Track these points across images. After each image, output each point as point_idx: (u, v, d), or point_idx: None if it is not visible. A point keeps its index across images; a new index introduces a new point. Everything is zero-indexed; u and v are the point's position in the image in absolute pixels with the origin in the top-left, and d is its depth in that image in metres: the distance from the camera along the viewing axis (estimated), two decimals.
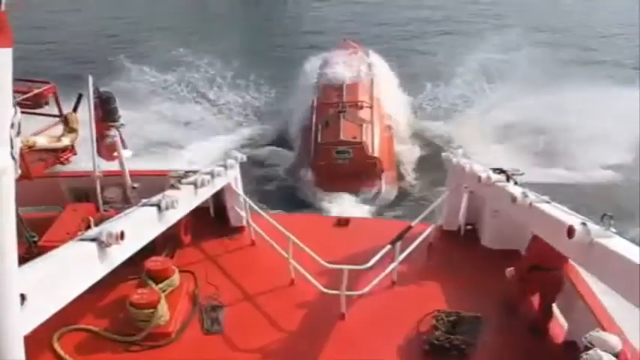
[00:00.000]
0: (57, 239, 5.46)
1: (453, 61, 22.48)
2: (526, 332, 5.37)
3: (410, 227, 6.36)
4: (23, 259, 2.18)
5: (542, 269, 5.18)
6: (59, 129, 7.04)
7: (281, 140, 16.85)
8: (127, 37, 28.79)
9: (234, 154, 6.90)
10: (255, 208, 6.86)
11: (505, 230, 6.34)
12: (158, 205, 4.21)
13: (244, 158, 7.03)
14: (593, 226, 3.49)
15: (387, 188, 13.82)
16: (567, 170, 14.47)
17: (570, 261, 4.99)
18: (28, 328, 2.20)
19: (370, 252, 5.71)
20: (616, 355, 3.68)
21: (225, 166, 6.38)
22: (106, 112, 6.54)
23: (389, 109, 16.36)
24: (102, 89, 6.58)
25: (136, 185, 6.89)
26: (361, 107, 14.99)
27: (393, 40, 28.63)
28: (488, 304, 5.66)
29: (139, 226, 3.85)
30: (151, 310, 5.15)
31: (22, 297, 2.10)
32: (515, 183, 5.61)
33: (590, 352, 3.63)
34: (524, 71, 19.60)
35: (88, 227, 3.29)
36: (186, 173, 5.91)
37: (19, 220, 4.94)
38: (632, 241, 3.41)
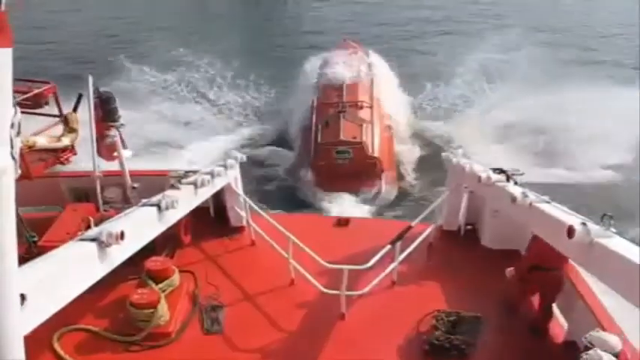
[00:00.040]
0: (57, 239, 5.46)
1: (453, 61, 22.47)
2: (526, 332, 5.37)
3: (410, 227, 6.36)
4: (23, 259, 2.18)
5: (542, 269, 5.18)
6: (59, 129, 7.05)
7: (281, 140, 16.85)
8: (127, 37, 28.77)
9: (234, 154, 6.90)
10: (255, 208, 6.86)
11: (505, 230, 6.34)
12: (158, 205, 4.21)
13: (244, 158, 7.03)
14: (593, 226, 3.49)
15: (387, 188, 13.81)
16: (567, 170, 14.47)
17: (570, 261, 4.99)
18: (28, 328, 2.20)
19: (370, 252, 5.71)
20: (616, 355, 3.68)
21: (225, 166, 6.38)
22: (106, 112, 6.54)
23: (389, 109, 16.35)
24: (102, 89, 6.58)
25: (136, 185, 6.90)
26: (361, 107, 14.98)
27: (393, 40, 28.65)
28: (489, 304, 5.66)
29: (139, 226, 3.85)
30: (151, 310, 5.15)
31: (22, 297, 2.10)
32: (515, 183, 5.62)
33: (591, 352, 3.63)
34: (524, 71, 19.60)
35: (88, 227, 3.30)
36: (186, 173, 5.91)
37: (19, 220, 4.94)
38: (632, 241, 3.41)
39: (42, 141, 6.15)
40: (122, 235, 3.21)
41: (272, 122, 18.48)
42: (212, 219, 7.38)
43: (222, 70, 21.84)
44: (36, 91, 6.62)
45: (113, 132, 6.62)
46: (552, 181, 12.76)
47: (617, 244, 3.34)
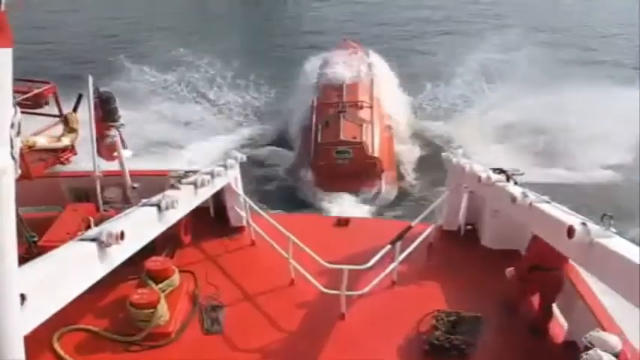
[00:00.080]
0: (57, 239, 5.46)
1: (453, 61, 22.46)
2: (526, 332, 5.37)
3: (410, 227, 6.36)
4: (23, 259, 2.18)
5: (542, 269, 5.18)
6: (59, 129, 7.04)
7: (281, 140, 16.83)
8: (127, 37, 28.72)
9: (234, 154, 6.90)
10: (255, 208, 6.86)
11: (505, 230, 6.34)
12: (158, 205, 4.21)
13: (244, 158, 7.02)
14: (593, 226, 3.49)
15: (386, 188, 13.81)
16: (567, 170, 14.48)
17: (570, 261, 4.99)
18: (28, 328, 2.21)
19: (370, 252, 5.71)
20: (616, 355, 3.68)
21: (225, 166, 6.37)
22: (106, 112, 6.54)
23: (389, 109, 16.35)
24: (102, 89, 6.58)
25: (136, 185, 6.90)
26: (361, 107, 14.99)
27: (393, 40, 28.66)
28: (489, 304, 5.66)
29: (139, 226, 3.85)
30: (151, 310, 5.15)
31: (22, 297, 2.10)
32: (515, 183, 5.62)
33: (590, 352, 3.64)
34: (523, 71, 19.60)
35: (88, 227, 3.30)
36: (187, 173, 5.91)
37: (19, 220, 4.94)
38: (633, 241, 3.41)
39: (42, 141, 6.15)
40: (122, 235, 3.21)
41: (272, 122, 18.47)
42: (212, 219, 7.38)
43: (222, 70, 21.83)
44: (36, 91, 6.62)
45: (113, 132, 6.62)
46: (552, 181, 12.77)
47: (617, 244, 3.34)
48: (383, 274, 5.76)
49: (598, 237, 3.41)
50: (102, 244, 3.10)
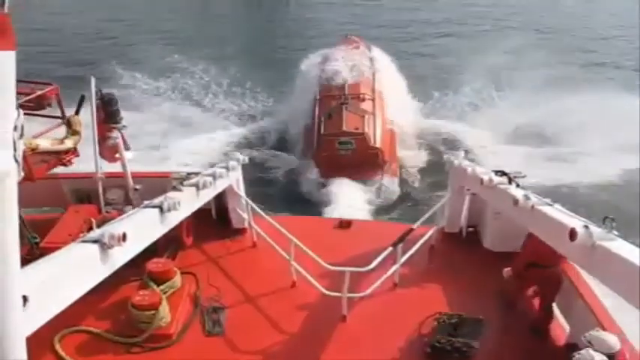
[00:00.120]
0: (59, 241, 5.48)
1: (456, 63, 22.48)
2: (527, 334, 5.36)
3: (412, 229, 6.35)
4: (25, 261, 2.19)
5: (539, 266, 5.24)
6: (62, 131, 7.04)
7: (280, 143, 16.81)
8: (125, 41, 28.40)
9: (236, 156, 6.90)
10: (257, 209, 6.85)
11: (507, 232, 6.33)
12: (160, 207, 4.22)
13: (246, 160, 7.03)
14: (595, 229, 3.49)
15: (388, 179, 13.95)
16: (568, 172, 14.45)
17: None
18: (30, 329, 2.21)
19: (372, 254, 5.71)
20: (613, 355, 3.70)
21: (227, 168, 6.38)
22: (108, 114, 6.56)
23: (391, 101, 16.33)
24: (104, 91, 6.59)
25: (137, 187, 6.90)
26: (363, 100, 15.16)
27: (394, 42, 28.65)
28: (490, 306, 5.66)
29: (141, 228, 3.85)
30: (153, 312, 5.15)
31: (24, 298, 2.11)
32: (517, 185, 5.61)
33: (582, 351, 3.68)
34: (525, 74, 19.56)
35: (90, 229, 3.31)
36: (189, 175, 5.92)
37: (21, 222, 4.95)
38: (634, 243, 3.40)
39: (45, 143, 6.15)
40: (124, 237, 3.22)
41: (271, 123, 18.39)
42: (214, 221, 7.38)
43: (217, 77, 21.65)
44: (39, 92, 6.62)
45: (115, 133, 6.63)
46: (554, 183, 12.77)
47: (619, 246, 3.33)
48: (385, 277, 5.75)
49: (600, 240, 3.41)
50: (104, 245, 3.11)
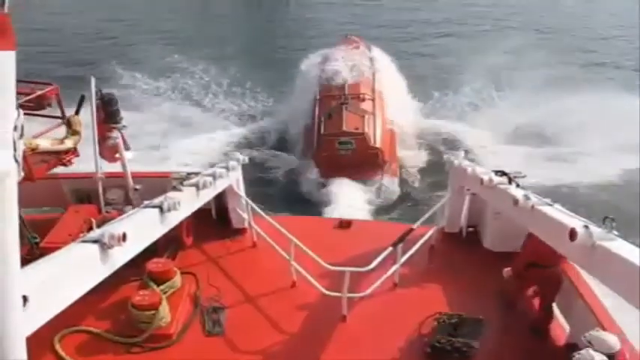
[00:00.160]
0: (59, 241, 5.48)
1: (456, 63, 22.45)
2: (527, 334, 5.36)
3: (412, 229, 6.35)
4: (25, 261, 2.19)
5: (539, 266, 5.25)
6: (62, 130, 7.04)
7: (280, 143, 16.81)
8: (125, 41, 28.40)
9: (236, 156, 6.90)
10: (257, 209, 6.85)
11: (507, 232, 6.33)
12: (160, 207, 4.22)
13: (246, 160, 7.03)
14: (595, 229, 3.49)
15: (388, 179, 13.98)
16: (568, 172, 14.45)
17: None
18: (30, 329, 2.21)
19: (372, 254, 5.71)
20: (613, 355, 3.71)
21: (227, 168, 6.38)
22: (108, 114, 6.56)
23: (391, 101, 16.35)
24: (104, 91, 6.59)
25: (137, 187, 6.90)
26: (363, 100, 15.19)
27: (395, 42, 28.67)
28: (490, 306, 5.66)
29: (141, 228, 3.85)
30: (153, 312, 5.15)
31: (25, 298, 2.11)
32: (518, 185, 5.61)
33: (582, 351, 3.69)
34: (526, 74, 19.55)
35: (90, 229, 3.31)
36: (189, 175, 5.92)
37: (21, 222, 4.95)
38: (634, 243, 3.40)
39: (45, 144, 6.15)
40: (124, 237, 3.22)
41: (271, 123, 18.38)
42: (214, 221, 7.38)
43: (217, 77, 21.63)
44: (39, 92, 6.61)
45: (115, 133, 6.63)
46: (554, 183, 12.77)
47: (620, 246, 3.33)
48: (385, 277, 5.75)
49: (600, 240, 3.41)
50: (104, 245, 3.11)
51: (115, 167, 6.90)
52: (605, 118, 15.70)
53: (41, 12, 33.00)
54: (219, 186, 6.18)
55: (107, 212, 6.60)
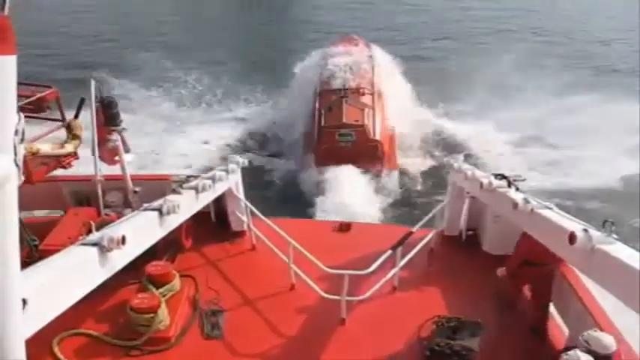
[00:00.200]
0: (58, 243, 5.47)
1: (453, 64, 22.50)
2: (526, 337, 5.37)
3: (411, 232, 6.35)
4: (24, 263, 2.18)
5: (534, 265, 5.30)
6: (62, 133, 7.04)
7: (279, 145, 16.79)
8: (122, 46, 28.24)
9: (235, 159, 6.90)
10: (257, 212, 6.85)
11: (506, 236, 6.33)
12: (159, 210, 4.22)
13: (246, 163, 7.03)
14: (594, 233, 3.49)
15: (388, 171, 14.16)
16: (569, 176, 14.48)
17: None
18: (30, 332, 2.21)
19: (371, 257, 5.70)
20: (609, 355, 3.75)
21: (226, 171, 6.38)
22: (108, 117, 6.56)
23: (390, 96, 16.41)
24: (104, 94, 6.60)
25: (137, 189, 6.90)
26: (363, 94, 15.36)
27: (393, 44, 28.69)
28: (489, 309, 5.66)
29: (140, 231, 3.85)
30: (151, 315, 5.14)
31: (24, 301, 2.11)
32: (517, 189, 5.62)
33: (570, 352, 3.73)
34: (528, 78, 19.59)
35: (90, 231, 3.30)
36: (188, 178, 5.92)
37: (20, 224, 4.94)
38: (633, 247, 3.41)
39: (45, 148, 6.15)
40: (123, 240, 3.22)
41: (270, 124, 18.35)
42: (213, 223, 7.37)
43: (218, 77, 21.67)
44: (39, 95, 6.62)
45: (115, 136, 6.64)
46: (553, 188, 12.80)
47: (619, 250, 3.34)
48: (384, 280, 5.75)
49: (599, 243, 3.41)
50: (103, 248, 3.11)
51: (114, 170, 6.90)
52: (605, 123, 15.75)
53: (41, 13, 32.99)
54: (219, 189, 6.19)
55: (106, 215, 6.59)
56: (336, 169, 13.64)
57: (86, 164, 6.74)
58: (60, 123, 6.72)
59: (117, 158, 6.77)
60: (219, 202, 7.04)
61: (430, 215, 6.84)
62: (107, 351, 5.07)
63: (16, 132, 1.87)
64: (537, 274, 5.39)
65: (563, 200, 11.63)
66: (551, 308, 5.54)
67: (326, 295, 5.52)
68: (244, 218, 7.01)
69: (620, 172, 14.47)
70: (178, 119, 18.56)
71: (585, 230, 3.54)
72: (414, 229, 6.45)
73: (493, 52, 22.70)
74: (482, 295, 5.89)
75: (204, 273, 6.39)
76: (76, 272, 2.90)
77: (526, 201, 4.66)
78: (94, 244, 3.11)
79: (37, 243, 5.86)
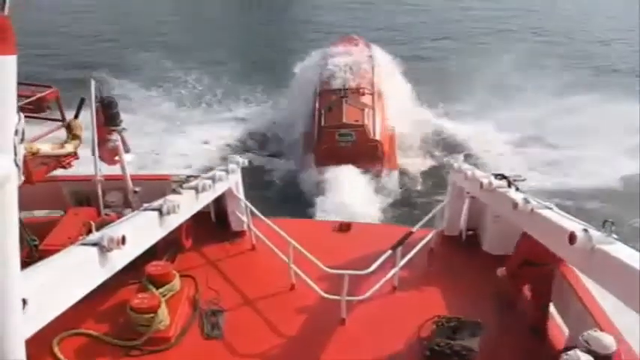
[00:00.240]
0: (58, 243, 5.47)
1: (453, 64, 22.50)
2: (526, 337, 5.37)
3: (411, 232, 6.35)
4: (24, 263, 2.19)
5: (534, 265, 5.31)
6: (61, 132, 7.04)
7: (279, 145, 16.79)
8: (122, 46, 28.30)
9: (235, 159, 6.90)
10: (256, 212, 6.85)
11: (506, 236, 6.33)
12: (159, 210, 4.22)
13: (246, 163, 7.03)
14: (594, 233, 3.49)
15: (388, 171, 14.16)
16: (569, 176, 14.48)
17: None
18: (30, 332, 2.21)
19: (371, 257, 5.70)
20: (609, 355, 3.76)
21: (226, 171, 6.38)
22: (108, 117, 6.56)
23: (390, 95, 16.41)
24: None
25: (137, 189, 6.90)
26: (363, 94, 15.38)
27: (393, 45, 28.70)
28: (489, 309, 5.66)
29: (141, 231, 3.85)
30: (151, 315, 5.14)
31: (24, 301, 2.11)
32: (517, 189, 5.62)
33: (570, 352, 3.72)
34: (528, 78, 19.58)
35: (90, 231, 3.30)
36: (188, 178, 5.92)
37: (20, 224, 4.94)
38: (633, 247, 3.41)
39: (45, 148, 6.15)
40: (123, 240, 3.22)
41: (270, 124, 18.35)
42: (213, 223, 7.38)
43: (217, 78, 21.65)
44: (39, 95, 6.62)
45: (115, 136, 6.64)
46: (554, 187, 12.79)
47: (619, 250, 3.34)
48: (384, 280, 5.75)
49: (599, 243, 3.41)
50: (103, 248, 3.11)
51: (114, 170, 6.90)
52: (605, 123, 15.74)
53: (41, 13, 32.98)
54: (219, 189, 6.19)
55: (106, 215, 6.59)
56: (336, 169, 13.67)
57: (86, 164, 6.74)
58: (60, 123, 6.72)
59: (117, 158, 6.77)
60: (219, 202, 7.04)
61: (430, 215, 6.84)
62: (107, 351, 5.07)
63: (16, 132, 1.87)
64: (537, 274, 5.40)
65: (563, 200, 11.66)
66: (551, 308, 5.55)
67: (326, 295, 5.52)
68: (244, 218, 7.01)
69: (620, 172, 14.47)
70: (178, 119, 18.60)
71: (585, 230, 3.54)
72: (414, 229, 6.45)
73: (493, 52, 22.68)
74: (483, 295, 5.89)
75: (204, 273, 6.39)
76: (76, 272, 2.90)
77: (526, 201, 4.66)
78: (94, 244, 3.11)
79: (37, 243, 5.87)
